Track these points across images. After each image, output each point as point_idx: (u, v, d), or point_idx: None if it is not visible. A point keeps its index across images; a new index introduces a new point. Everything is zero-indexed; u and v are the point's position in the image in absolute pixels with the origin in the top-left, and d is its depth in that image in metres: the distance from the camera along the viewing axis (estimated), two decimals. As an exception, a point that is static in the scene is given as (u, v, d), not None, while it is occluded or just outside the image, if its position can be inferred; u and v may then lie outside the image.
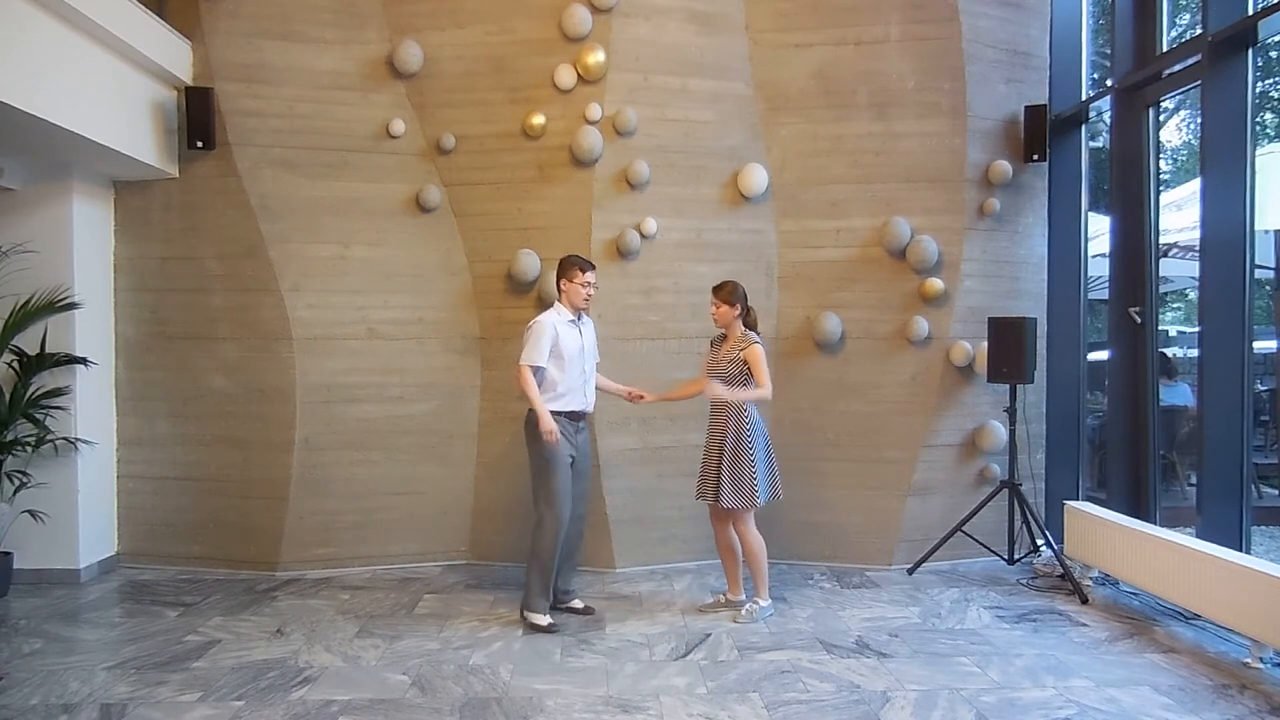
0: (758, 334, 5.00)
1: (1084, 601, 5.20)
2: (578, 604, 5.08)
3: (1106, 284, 6.14)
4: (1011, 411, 5.75)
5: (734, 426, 4.86)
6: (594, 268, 4.99)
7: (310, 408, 5.92)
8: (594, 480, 5.85)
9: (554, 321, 4.84)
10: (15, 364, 5.50)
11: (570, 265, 4.92)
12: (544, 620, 4.81)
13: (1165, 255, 7.18)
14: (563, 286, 4.93)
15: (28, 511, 5.46)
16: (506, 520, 6.00)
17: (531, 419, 4.79)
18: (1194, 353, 6.78)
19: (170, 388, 5.98)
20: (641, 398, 5.16)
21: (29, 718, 3.70)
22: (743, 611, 4.96)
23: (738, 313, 4.93)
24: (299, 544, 5.93)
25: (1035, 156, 6.04)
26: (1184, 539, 4.74)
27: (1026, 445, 5.98)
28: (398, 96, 5.97)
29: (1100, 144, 7.48)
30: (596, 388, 5.06)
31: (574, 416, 4.88)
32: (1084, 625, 4.83)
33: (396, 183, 6.00)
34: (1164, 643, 4.54)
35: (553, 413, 4.74)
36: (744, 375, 4.87)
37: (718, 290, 4.97)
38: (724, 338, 5.03)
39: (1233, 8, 4.81)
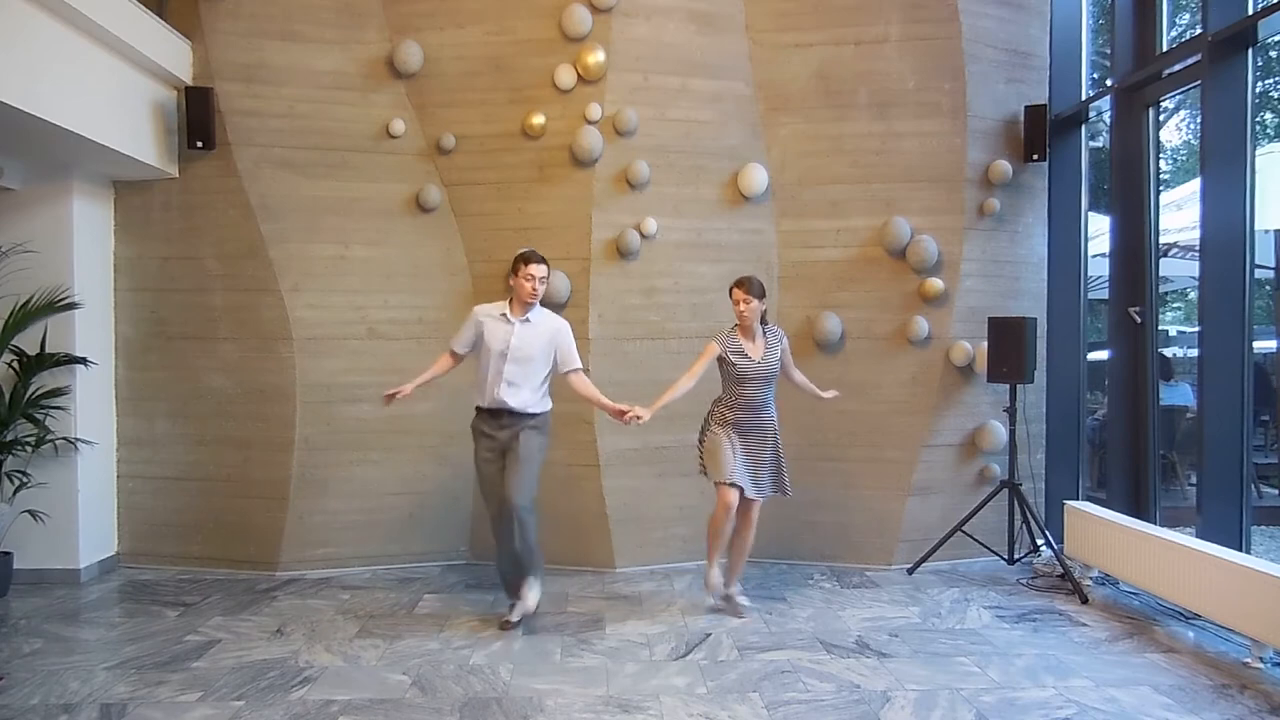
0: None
1: (1084, 601, 5.20)
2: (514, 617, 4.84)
3: (1106, 284, 6.14)
4: (1011, 411, 5.75)
5: (777, 423, 5.10)
6: (543, 260, 4.79)
7: (310, 408, 5.92)
8: (594, 480, 5.88)
9: (485, 313, 4.86)
10: (15, 364, 5.49)
11: (516, 259, 4.81)
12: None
13: (1165, 255, 7.18)
14: (510, 282, 4.86)
15: (28, 511, 5.45)
16: (506, 520, 6.00)
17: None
18: (1194, 353, 6.78)
19: (170, 388, 5.98)
20: (639, 418, 4.78)
21: (29, 718, 3.70)
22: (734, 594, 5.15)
23: (764, 306, 5.05)
24: (299, 544, 5.93)
25: (1035, 156, 6.04)
26: (1184, 539, 4.75)
27: (1026, 445, 5.98)
28: (398, 96, 5.97)
29: (1100, 144, 7.49)
30: (585, 398, 4.93)
31: (486, 413, 4.79)
32: (1084, 625, 4.83)
33: (396, 183, 6.00)
34: (1164, 643, 4.54)
35: (477, 409, 4.84)
36: (778, 367, 5.03)
37: (746, 285, 4.94)
38: (738, 330, 4.99)
39: (1233, 8, 4.81)
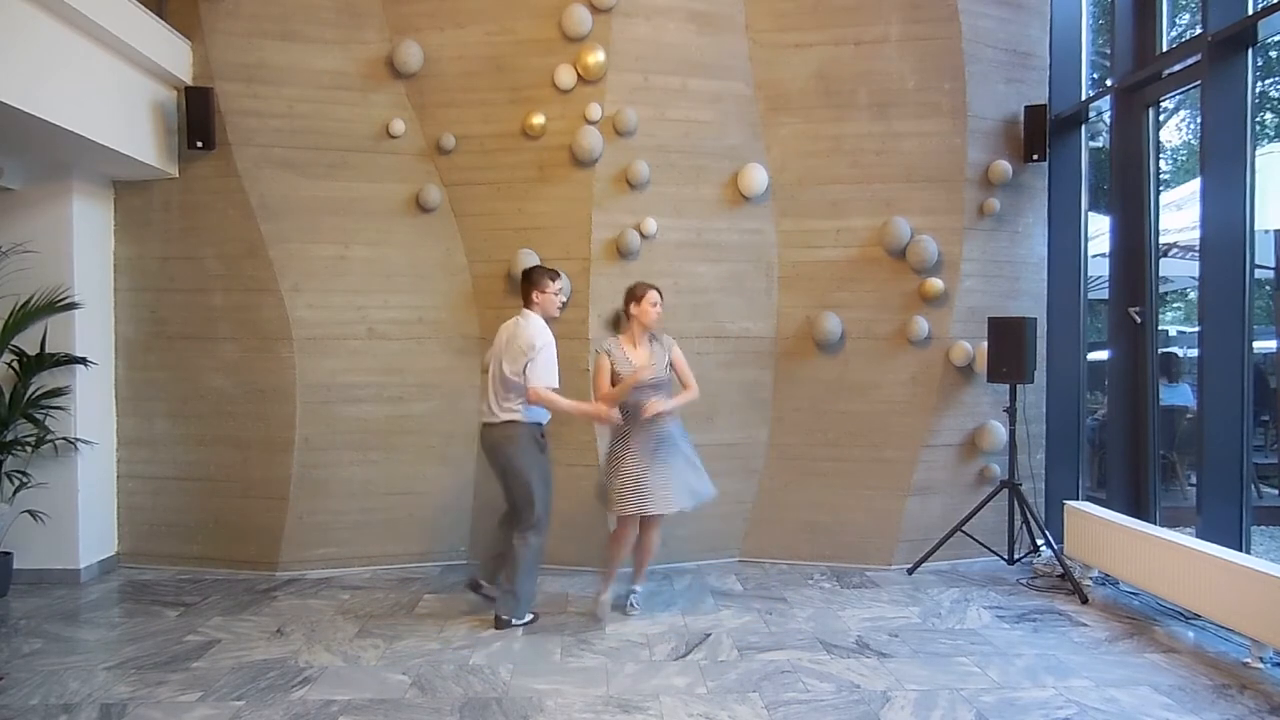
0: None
1: (1084, 601, 5.20)
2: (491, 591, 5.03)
3: (1106, 284, 6.14)
4: (1011, 411, 5.75)
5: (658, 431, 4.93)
6: (560, 275, 5.06)
7: (310, 408, 5.92)
8: (594, 480, 5.86)
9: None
10: (15, 364, 5.49)
11: (542, 275, 4.91)
12: (529, 616, 4.91)
13: (1165, 255, 7.18)
14: (536, 298, 4.86)
15: (28, 511, 5.46)
16: (506, 520, 6.00)
17: (522, 430, 4.78)
18: (1194, 353, 6.77)
19: (170, 388, 5.99)
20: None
21: (29, 718, 3.70)
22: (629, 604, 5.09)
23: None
24: (299, 544, 5.93)
25: (1035, 156, 6.04)
26: (1184, 539, 4.75)
27: (1026, 445, 5.98)
28: (398, 96, 5.97)
29: (1100, 144, 7.48)
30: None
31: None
32: (1084, 625, 4.83)
33: (396, 183, 6.00)
34: (1164, 643, 4.54)
35: (535, 424, 4.84)
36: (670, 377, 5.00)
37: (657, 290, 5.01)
38: (624, 336, 5.05)
39: (1233, 8, 4.81)
